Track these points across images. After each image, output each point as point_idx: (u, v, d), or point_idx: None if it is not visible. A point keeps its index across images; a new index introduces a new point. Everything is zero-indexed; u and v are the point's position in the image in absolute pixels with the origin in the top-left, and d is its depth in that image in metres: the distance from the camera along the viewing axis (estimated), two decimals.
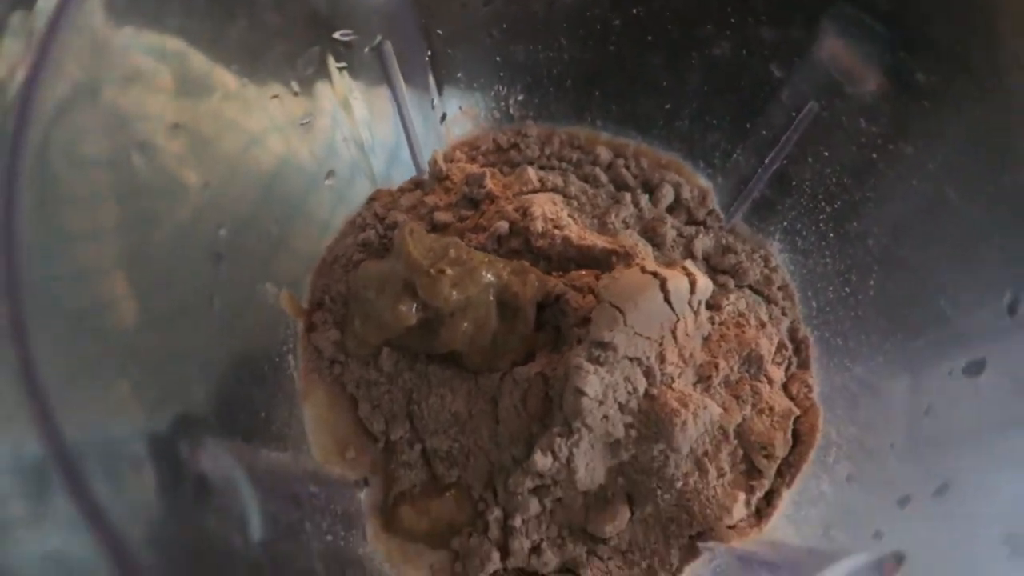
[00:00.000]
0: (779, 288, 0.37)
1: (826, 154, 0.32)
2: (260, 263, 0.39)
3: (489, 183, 0.38)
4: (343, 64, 0.35)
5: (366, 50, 0.34)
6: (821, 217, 0.35)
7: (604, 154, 0.40)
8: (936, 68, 0.27)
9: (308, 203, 0.40)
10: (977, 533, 0.22)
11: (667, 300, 0.33)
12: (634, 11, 0.34)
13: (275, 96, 0.36)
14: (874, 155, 0.30)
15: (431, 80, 0.37)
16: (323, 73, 0.37)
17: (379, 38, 0.34)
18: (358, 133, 0.39)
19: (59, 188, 0.31)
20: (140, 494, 0.24)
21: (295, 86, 0.37)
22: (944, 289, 0.28)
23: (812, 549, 0.28)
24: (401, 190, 0.40)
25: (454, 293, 0.34)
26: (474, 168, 0.40)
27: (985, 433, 0.24)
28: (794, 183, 0.35)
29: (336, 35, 0.32)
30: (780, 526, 0.32)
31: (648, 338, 0.33)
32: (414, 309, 0.34)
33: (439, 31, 0.35)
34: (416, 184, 0.40)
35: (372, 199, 0.40)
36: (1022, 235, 0.25)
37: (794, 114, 0.32)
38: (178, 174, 0.35)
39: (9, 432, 0.24)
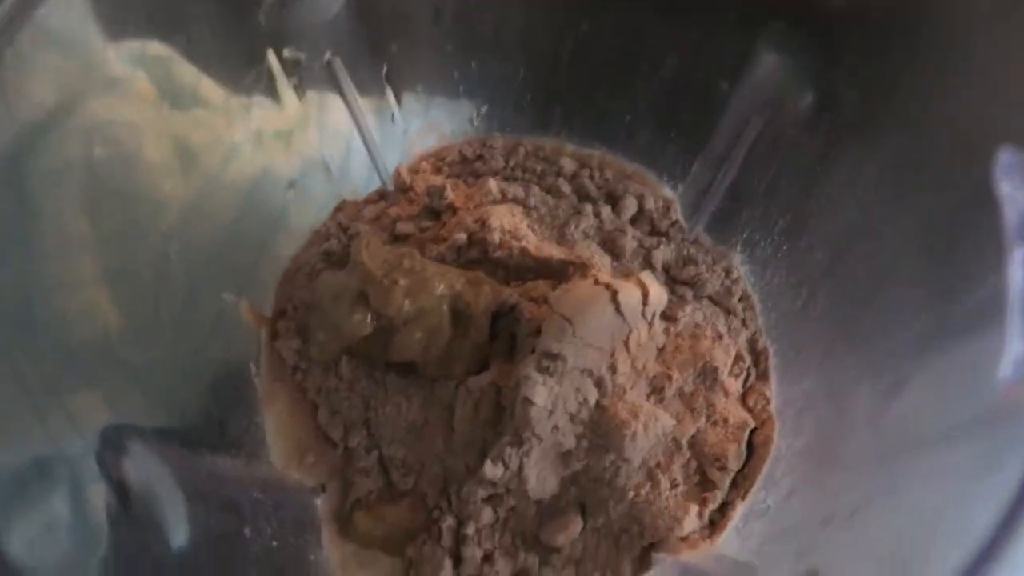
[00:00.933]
0: (740, 299, 0.37)
1: (774, 167, 0.32)
2: (236, 274, 0.39)
3: (450, 194, 0.39)
4: (294, 80, 0.36)
5: (317, 67, 0.34)
6: (775, 229, 0.35)
7: (568, 165, 0.41)
8: (862, 88, 0.27)
9: (284, 217, 0.40)
10: (883, 548, 0.22)
11: (619, 311, 0.33)
12: (583, 27, 0.35)
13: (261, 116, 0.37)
14: (816, 169, 0.30)
15: (389, 93, 0.38)
16: (291, 97, 0.37)
17: (328, 54, 0.34)
18: (329, 154, 0.40)
19: (35, 203, 0.31)
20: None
21: (268, 107, 0.37)
22: (875, 305, 0.28)
23: (747, 563, 0.28)
24: (366, 201, 0.41)
25: (407, 303, 0.34)
26: (437, 180, 0.40)
27: (901, 452, 0.24)
28: (748, 195, 0.35)
29: (284, 54, 0.33)
30: (728, 538, 0.32)
31: (599, 349, 0.33)
32: (369, 319, 0.35)
33: (392, 46, 0.36)
34: (381, 195, 0.41)
35: (337, 210, 0.40)
36: (938, 260, 0.25)
37: (742, 127, 0.32)
38: (160, 184, 0.35)
39: None
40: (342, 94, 0.36)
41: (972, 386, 0.22)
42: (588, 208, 0.39)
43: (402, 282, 0.34)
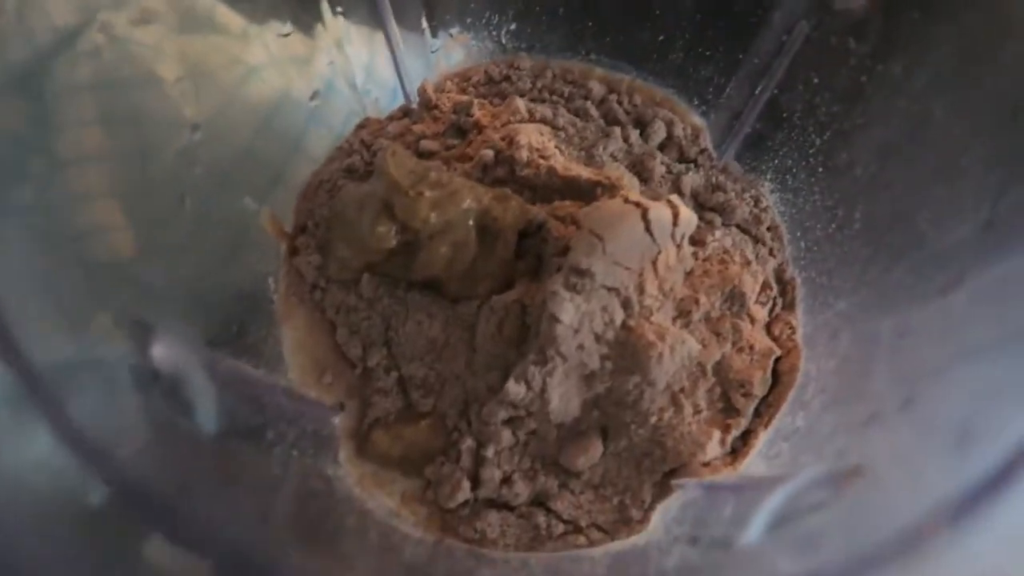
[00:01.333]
0: (768, 228, 0.37)
1: (816, 80, 0.31)
2: (255, 192, 0.38)
3: (477, 112, 0.38)
4: (339, 9, 0.35)
5: None
6: (811, 151, 0.34)
7: (597, 89, 0.40)
8: None
9: (304, 137, 0.40)
10: (934, 436, 0.21)
11: (648, 230, 0.32)
12: None
13: (283, 34, 0.36)
14: (863, 78, 0.29)
15: (422, 9, 0.37)
16: (317, 14, 0.36)
17: None
18: (352, 72, 0.39)
19: (54, 118, 0.30)
20: (112, 402, 0.23)
21: (291, 26, 0.36)
22: (924, 208, 0.27)
23: (773, 476, 0.27)
24: (390, 118, 0.40)
25: (433, 215, 0.33)
26: (463, 98, 0.39)
27: (955, 344, 0.24)
28: (785, 115, 0.34)
29: None
30: (752, 463, 0.32)
31: (627, 268, 0.32)
32: (393, 231, 0.34)
33: None
34: (405, 112, 0.40)
35: (360, 127, 0.39)
36: (1004, 142, 0.24)
37: (785, 37, 0.31)
38: (176, 104, 0.35)
39: None
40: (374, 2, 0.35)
41: None
42: (616, 131, 0.38)
43: (428, 194, 0.33)
